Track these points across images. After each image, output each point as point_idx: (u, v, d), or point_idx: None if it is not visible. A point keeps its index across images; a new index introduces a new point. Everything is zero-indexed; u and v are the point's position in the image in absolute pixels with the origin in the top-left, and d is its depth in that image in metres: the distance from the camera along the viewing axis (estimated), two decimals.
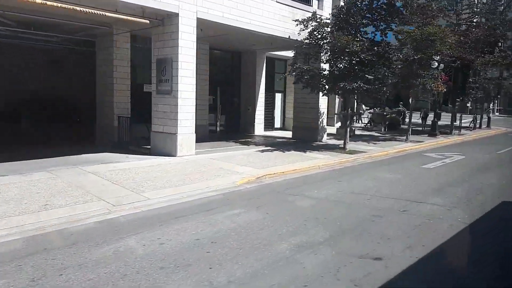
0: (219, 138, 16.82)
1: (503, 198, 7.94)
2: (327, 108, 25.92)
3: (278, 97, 22.71)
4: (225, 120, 19.91)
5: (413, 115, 21.21)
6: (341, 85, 13.70)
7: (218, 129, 19.11)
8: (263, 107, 20.51)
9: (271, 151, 13.77)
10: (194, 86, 12.06)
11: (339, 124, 25.50)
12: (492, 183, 9.47)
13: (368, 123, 25.23)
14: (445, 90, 21.77)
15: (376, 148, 15.81)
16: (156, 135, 12.38)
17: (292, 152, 13.75)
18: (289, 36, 15.11)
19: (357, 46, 13.34)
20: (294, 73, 14.39)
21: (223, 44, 17.83)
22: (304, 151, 13.92)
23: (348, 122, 15.48)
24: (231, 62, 20.12)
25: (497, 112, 65.41)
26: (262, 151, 13.80)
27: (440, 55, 19.13)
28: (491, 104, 30.33)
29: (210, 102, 18.62)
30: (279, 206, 7.11)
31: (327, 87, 14.67)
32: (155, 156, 11.88)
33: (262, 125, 20.28)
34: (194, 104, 12.12)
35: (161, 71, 12.12)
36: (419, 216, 6.52)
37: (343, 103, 27.63)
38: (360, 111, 30.35)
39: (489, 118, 30.01)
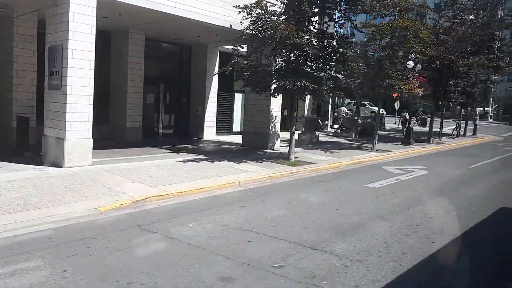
0: (154, 143, 14.54)
1: (440, 242, 5.68)
2: (296, 111, 23.77)
3: (239, 97, 20.43)
4: (172, 122, 17.67)
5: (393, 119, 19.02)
6: (281, 84, 11.47)
7: (160, 132, 16.86)
8: (215, 109, 18.27)
9: (198, 161, 11.52)
10: (92, 81, 9.78)
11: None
12: (437, 215, 7.20)
13: (338, 128, 23.00)
14: (421, 93, 19.60)
15: (331, 159, 13.59)
16: (47, 140, 10.10)
17: (224, 163, 11.50)
18: (231, 26, 12.87)
19: (301, 38, 11.14)
20: (231, 69, 12.16)
21: (163, 34, 15.58)
22: (239, 162, 11.68)
23: (294, 128, 13.22)
24: (180, 56, 17.84)
25: (491, 118, 63.47)
26: (188, 161, 11.55)
27: (415, 54, 16.97)
28: (478, 110, 28.09)
29: (150, 101, 16.41)
30: (97, 259, 4.72)
31: (273, 86, 12.43)
32: (44, 167, 9.62)
33: (214, 129, 18.01)
34: (91, 102, 9.84)
35: (52, 61, 9.87)
36: (293, 281, 4.27)
37: (313, 105, 25.51)
38: (343, 114, 28.12)
39: (475, 125, 27.82)
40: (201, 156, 12.37)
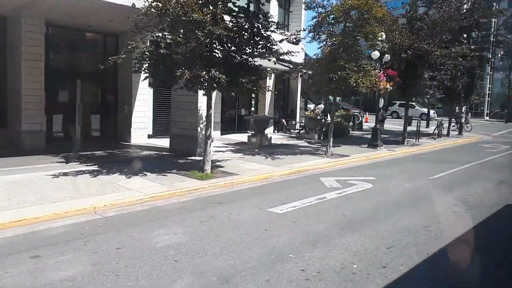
0: (56, 150, 11.99)
1: None
2: (255, 108, 21.31)
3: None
4: (94, 124, 15.17)
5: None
6: (178, 73, 8.91)
7: (77, 136, 14.32)
8: (149, 108, 15.79)
9: (76, 175, 8.94)
10: None
11: (270, 130, 20.76)
12: (327, 270, 4.72)
13: (301, 129, 20.41)
14: (389, 88, 17.03)
15: (265, 168, 11.06)
16: None
17: (110, 177, 8.96)
18: (133, 4, 10.32)
19: (205, 15, 8.62)
20: (124, 56, 9.61)
21: (72, 20, 13.04)
22: (133, 175, 9.13)
23: (209, 131, 10.68)
24: (103, 47, 15.31)
25: (487, 116, 60.76)
26: (65, 174, 8.99)
27: (378, 41, 14.45)
28: (464, 107, 25.50)
29: (64, 100, 13.92)
30: None
31: (180, 76, 9.88)
32: None
33: (145, 131, 15.48)
34: None
35: None
36: None
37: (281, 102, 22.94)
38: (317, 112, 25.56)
39: (461, 124, 25.22)
40: (92, 168, 9.84)
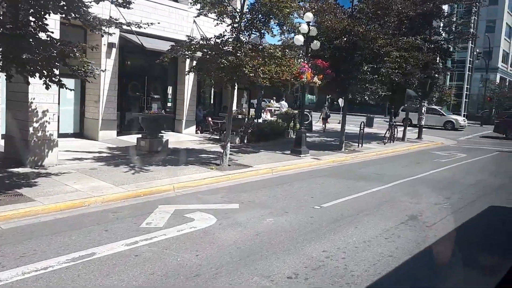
0: None
1: None
2: (173, 104, 17.75)
3: (71, 84, 14.58)
4: None
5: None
6: None
7: None
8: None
9: None
10: None
11: (190, 130, 17.43)
12: None
13: (221, 131, 17.13)
14: (318, 82, 13.93)
15: (100, 187, 7.83)
16: None
17: None
18: None
19: None
20: None
21: None
22: None
23: None
24: None
25: (466, 117, 58.10)
26: None
27: (288, 21, 11.27)
28: (424, 108, 22.53)
29: None
30: None
31: None
32: None
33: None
34: None
35: None
36: None
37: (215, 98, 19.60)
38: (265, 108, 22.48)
39: (420, 126, 22.29)
40: None
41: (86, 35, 14.74)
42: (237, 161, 11.99)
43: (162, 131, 17.12)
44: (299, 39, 13.17)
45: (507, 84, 58.13)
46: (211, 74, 10.53)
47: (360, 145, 17.05)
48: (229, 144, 11.10)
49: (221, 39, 10.24)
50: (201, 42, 10.07)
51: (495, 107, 51.53)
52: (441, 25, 19.70)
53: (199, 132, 17.98)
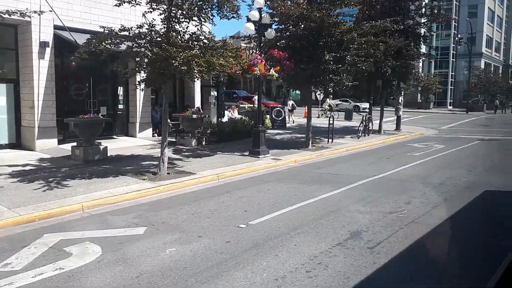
0: None
1: None
2: (126, 106, 16.14)
3: (2, 89, 13.12)
4: None
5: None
6: None
7: None
8: None
9: None
10: None
11: (146, 133, 15.91)
12: None
13: (177, 132, 15.69)
14: (275, 75, 12.58)
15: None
16: None
17: None
18: None
19: None
20: None
21: None
22: None
23: None
24: None
25: (450, 105, 57.08)
26: None
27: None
28: (401, 98, 21.24)
29: None
30: None
31: None
32: None
33: None
34: None
35: None
36: None
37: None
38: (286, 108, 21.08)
39: (398, 117, 21.05)
40: None
41: (16, 34, 13.27)
42: (182, 167, 10.63)
43: (115, 135, 15.86)
44: (249, 28, 11.81)
45: (492, 69, 57.25)
46: (143, 70, 9.13)
47: (330, 140, 15.78)
48: (166, 149, 9.71)
49: (144, 28, 8.84)
50: (121, 33, 8.65)
51: (481, 93, 50.60)
52: (413, 8, 18.38)
53: (156, 135, 16.56)
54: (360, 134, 17.65)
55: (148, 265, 4.61)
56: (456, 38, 40.94)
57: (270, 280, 4.15)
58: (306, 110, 24.03)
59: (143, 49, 8.91)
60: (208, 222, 6.18)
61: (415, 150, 14.25)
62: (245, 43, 15.38)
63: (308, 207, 6.95)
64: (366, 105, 38.40)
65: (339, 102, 37.11)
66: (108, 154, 11.97)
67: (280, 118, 21.90)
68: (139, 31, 8.74)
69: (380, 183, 8.89)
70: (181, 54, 8.52)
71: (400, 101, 20.83)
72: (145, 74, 9.36)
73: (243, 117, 17.90)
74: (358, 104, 38.30)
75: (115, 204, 7.46)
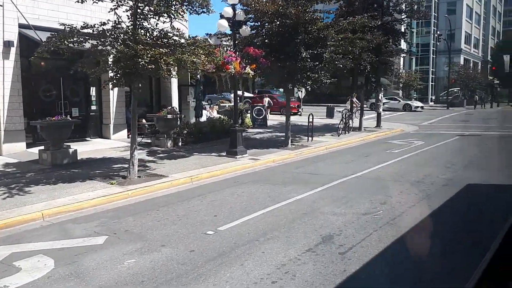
0: None
1: None
2: (98, 106, 15.55)
3: None
4: None
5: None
6: None
7: None
8: None
9: None
10: None
11: (121, 134, 15.36)
12: None
13: (152, 133, 15.26)
14: (251, 73, 12.28)
15: None
16: None
17: None
18: None
19: None
20: None
21: None
22: None
23: None
24: None
25: (431, 101, 57.67)
26: None
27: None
28: (381, 94, 21.21)
29: None
30: None
31: None
32: None
33: None
34: None
35: None
36: None
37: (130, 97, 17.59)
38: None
39: (378, 114, 21.00)
40: None
41: None
42: (155, 170, 10.24)
43: (88, 138, 15.32)
44: (222, 25, 11.49)
45: (471, 65, 58.06)
46: (110, 70, 8.71)
47: (310, 139, 15.57)
48: (136, 152, 9.32)
49: (108, 26, 8.42)
50: (83, 30, 8.21)
51: (461, 88, 51.24)
52: (391, 4, 18.30)
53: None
54: (340, 131, 17.50)
55: (103, 280, 4.26)
56: (436, 35, 41.27)
57: None
58: (266, 105, 23.79)
59: (108, 47, 8.51)
60: (174, 229, 5.84)
61: (395, 147, 14.14)
62: (225, 41, 15.04)
63: (281, 209, 6.67)
64: (419, 103, 38.91)
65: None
66: (79, 158, 11.51)
67: (260, 117, 21.58)
68: (102, 28, 8.32)
69: (357, 183, 8.67)
70: (148, 52, 8.15)
71: (380, 97, 20.76)
72: (111, 73, 8.94)
73: (222, 117, 17.56)
74: (408, 102, 38.39)
75: (79, 211, 7.05)
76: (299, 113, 27.53)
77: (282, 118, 22.24)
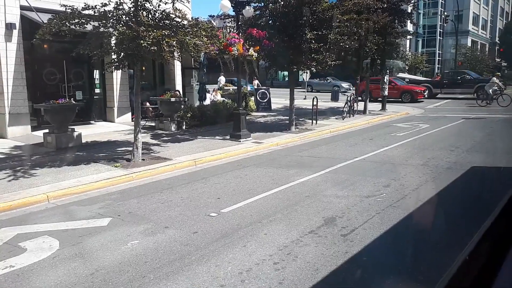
0: None
1: None
2: (102, 90, 15.54)
3: None
4: None
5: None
6: None
7: None
8: None
9: None
10: None
11: (125, 117, 15.36)
12: None
13: (156, 116, 15.25)
14: (254, 55, 12.16)
15: None
16: None
17: None
18: None
19: None
20: None
21: None
22: None
23: None
24: None
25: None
26: None
27: None
28: (386, 76, 20.99)
29: None
30: None
31: None
32: None
33: None
34: None
35: None
36: None
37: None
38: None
39: (384, 97, 20.79)
40: None
41: None
42: (159, 153, 10.28)
43: (93, 121, 15.35)
44: (225, 5, 11.34)
45: (478, 47, 57.20)
46: (112, 52, 8.66)
47: (314, 122, 15.51)
48: (140, 135, 9.34)
49: (110, 7, 8.33)
50: (84, 12, 8.13)
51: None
52: None
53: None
54: (345, 115, 17.39)
55: (107, 260, 4.31)
56: (443, 16, 40.53)
57: (234, 274, 3.89)
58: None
59: (110, 29, 8.43)
60: (178, 211, 5.88)
61: (399, 130, 14.05)
62: (228, 23, 14.88)
63: (284, 192, 6.69)
64: None
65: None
66: (83, 141, 11.55)
67: (265, 100, 21.49)
68: (104, 9, 8.23)
69: (361, 166, 8.66)
70: (150, 33, 8.08)
71: (385, 80, 20.54)
72: (114, 56, 8.89)
73: (226, 100, 17.49)
74: None
75: (84, 194, 7.12)
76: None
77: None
